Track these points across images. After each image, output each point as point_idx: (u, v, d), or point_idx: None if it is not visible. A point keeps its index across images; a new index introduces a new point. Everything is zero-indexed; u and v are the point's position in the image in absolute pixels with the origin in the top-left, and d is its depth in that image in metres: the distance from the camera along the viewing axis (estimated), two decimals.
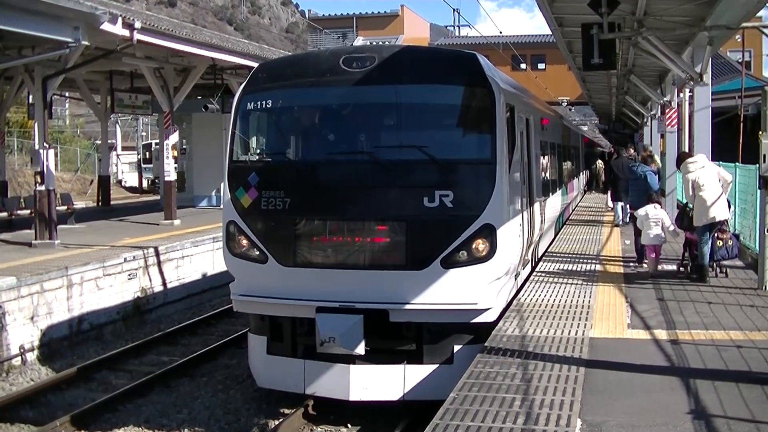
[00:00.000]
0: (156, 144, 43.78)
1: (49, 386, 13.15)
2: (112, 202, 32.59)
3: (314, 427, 11.15)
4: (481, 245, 10.21)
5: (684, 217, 14.05)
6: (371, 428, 10.97)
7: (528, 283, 13.07)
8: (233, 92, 19.16)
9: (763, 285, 12.22)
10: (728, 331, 9.78)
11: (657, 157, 22.94)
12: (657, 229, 14.02)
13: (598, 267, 14.99)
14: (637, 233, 15.00)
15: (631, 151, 22.14)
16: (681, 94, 22.76)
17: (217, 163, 21.65)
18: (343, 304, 10.34)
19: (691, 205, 13.42)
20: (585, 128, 58.63)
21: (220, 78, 26.71)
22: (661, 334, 9.70)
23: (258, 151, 11.85)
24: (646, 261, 14.72)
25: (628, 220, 22.82)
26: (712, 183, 12.90)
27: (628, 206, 22.27)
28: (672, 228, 14.22)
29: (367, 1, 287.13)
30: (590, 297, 12.03)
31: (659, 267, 14.42)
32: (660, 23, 15.76)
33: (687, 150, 19.94)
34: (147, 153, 50.25)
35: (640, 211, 14.42)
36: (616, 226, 22.29)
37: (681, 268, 14.14)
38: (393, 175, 10.65)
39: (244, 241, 10.98)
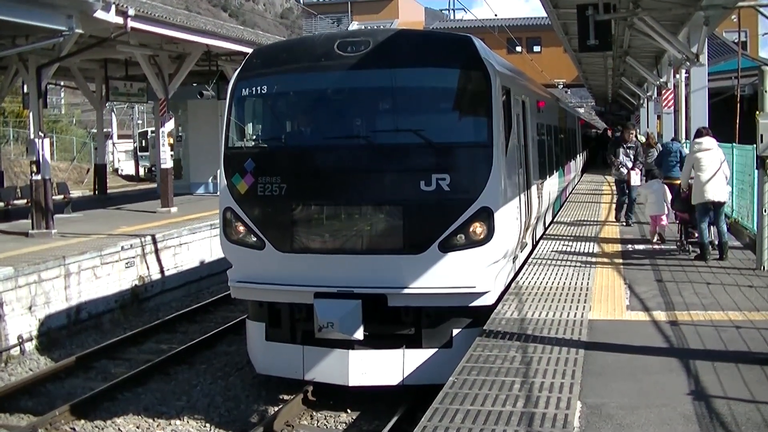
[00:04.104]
0: (152, 132, 43.62)
1: (48, 376, 13.14)
2: (108, 191, 32.48)
3: (314, 413, 11.15)
4: (478, 228, 10.19)
5: (677, 198, 14.29)
6: (371, 413, 10.96)
7: (526, 266, 13.05)
8: (228, 79, 19.06)
9: (761, 265, 12.20)
10: (727, 311, 9.76)
11: (642, 138, 23.43)
12: (659, 200, 15.17)
13: (596, 249, 14.97)
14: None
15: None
16: (677, 75, 22.74)
17: (213, 149, 21.52)
18: (341, 289, 10.33)
19: (684, 186, 13.69)
20: (581, 110, 58.57)
21: (215, 64, 26.62)
22: (660, 316, 9.68)
23: (254, 137, 11.79)
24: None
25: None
26: (713, 165, 12.93)
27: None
28: (669, 199, 15.18)
29: None
30: (589, 279, 12.01)
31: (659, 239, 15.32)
32: (656, 4, 15.74)
33: (685, 131, 20.01)
34: (143, 141, 50.07)
35: (645, 185, 15.66)
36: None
37: (679, 244, 14.26)
38: (389, 159, 10.63)
39: (241, 228, 10.95)
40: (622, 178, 18.17)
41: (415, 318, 10.60)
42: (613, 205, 20.72)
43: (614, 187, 21.81)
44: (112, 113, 52.80)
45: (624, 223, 18.12)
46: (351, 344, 10.52)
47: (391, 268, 10.32)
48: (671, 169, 16.48)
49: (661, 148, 18.53)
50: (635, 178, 17.89)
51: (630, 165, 18.00)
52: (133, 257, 18.11)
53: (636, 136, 19.65)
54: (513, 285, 11.59)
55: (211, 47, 24.02)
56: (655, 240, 15.30)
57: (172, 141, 25.85)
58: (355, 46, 10.89)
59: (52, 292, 15.47)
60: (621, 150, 18.26)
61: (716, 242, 13.43)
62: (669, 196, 15.24)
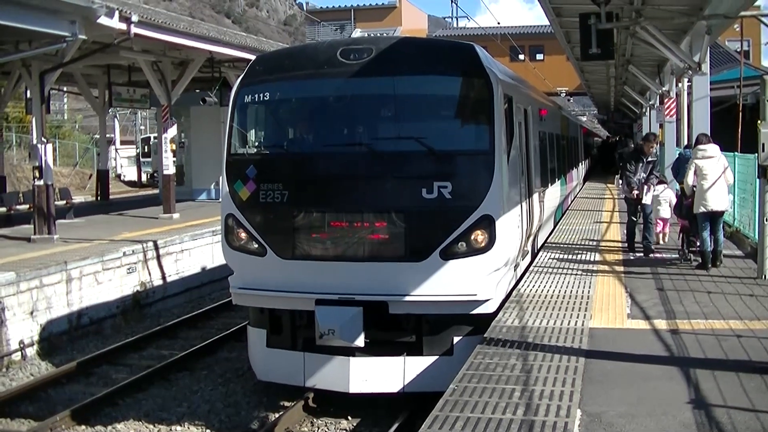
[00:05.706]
0: (154, 138, 43.67)
1: (49, 381, 13.13)
2: (110, 197, 32.54)
3: (314, 420, 11.14)
4: (480, 236, 10.20)
5: (681, 205, 14.30)
6: (371, 420, 10.96)
7: (527, 274, 13.06)
8: (231, 85, 19.12)
9: (763, 274, 12.21)
10: (728, 320, 9.77)
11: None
12: (665, 205, 15.42)
13: (598, 257, 14.97)
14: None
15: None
16: (679, 84, 22.76)
17: (215, 156, 21.60)
18: (342, 296, 10.33)
19: (687, 192, 13.65)
20: (584, 119, 58.55)
21: (217, 71, 26.67)
22: (661, 324, 9.69)
23: (256, 143, 11.83)
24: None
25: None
26: (715, 173, 12.92)
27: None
28: (674, 203, 15.39)
29: None
30: (590, 287, 12.01)
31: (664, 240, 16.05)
32: (658, 12, 15.75)
33: (687, 139, 20.00)
34: (146, 147, 50.09)
35: (653, 192, 15.59)
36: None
37: (680, 252, 14.26)
38: (391, 166, 10.64)
39: (243, 234, 10.97)
40: (638, 198, 15.06)
41: (416, 325, 10.60)
42: (616, 213, 20.57)
43: (616, 192, 20.87)
44: (115, 119, 52.82)
45: (642, 253, 14.93)
46: (352, 351, 10.52)
47: (392, 275, 10.33)
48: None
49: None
50: (647, 197, 15.10)
51: (647, 181, 15.05)
52: (135, 263, 18.12)
53: (656, 149, 16.70)
54: (514, 293, 11.59)
55: (214, 54, 24.06)
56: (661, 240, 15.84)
57: (174, 147, 25.88)
58: (358, 54, 10.92)
59: (53, 298, 15.48)
60: (640, 165, 15.06)
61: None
62: (674, 201, 15.33)
